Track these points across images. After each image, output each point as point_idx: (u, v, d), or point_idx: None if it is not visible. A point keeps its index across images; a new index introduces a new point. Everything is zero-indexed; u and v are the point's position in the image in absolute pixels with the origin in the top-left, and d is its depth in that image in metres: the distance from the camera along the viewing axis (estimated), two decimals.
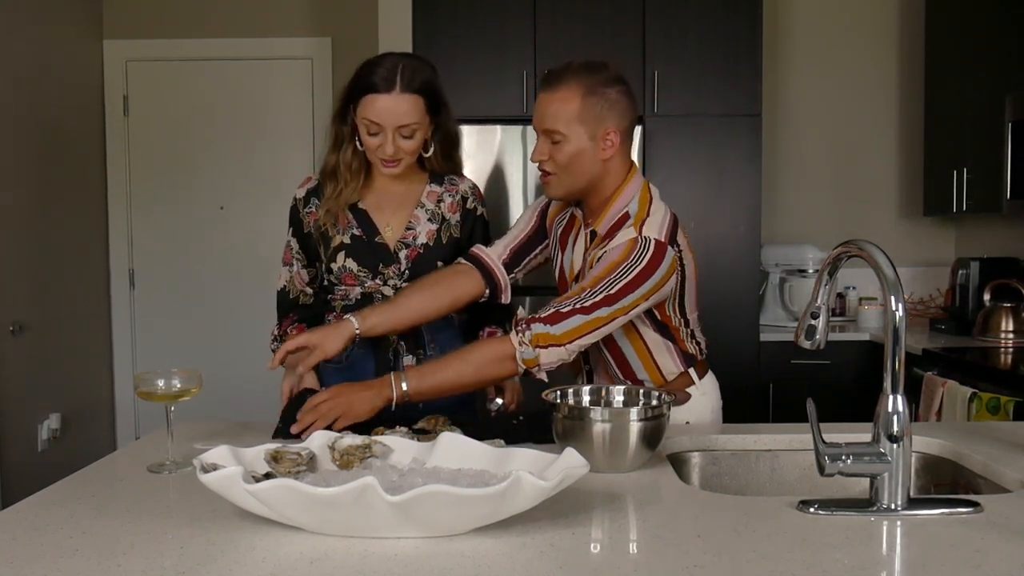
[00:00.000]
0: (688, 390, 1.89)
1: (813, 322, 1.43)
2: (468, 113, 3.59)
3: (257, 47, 4.39)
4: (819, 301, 1.42)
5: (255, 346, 4.44)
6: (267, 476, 1.28)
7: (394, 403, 1.67)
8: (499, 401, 1.82)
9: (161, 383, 1.56)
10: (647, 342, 1.86)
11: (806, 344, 1.45)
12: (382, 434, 1.51)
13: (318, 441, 1.39)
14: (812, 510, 1.26)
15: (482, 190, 2.13)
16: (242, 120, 4.41)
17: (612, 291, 1.67)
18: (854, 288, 4.13)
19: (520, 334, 1.67)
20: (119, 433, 4.49)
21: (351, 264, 1.98)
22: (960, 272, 3.78)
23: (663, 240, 1.73)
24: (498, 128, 3.60)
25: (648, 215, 1.76)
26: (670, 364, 1.89)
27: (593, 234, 1.82)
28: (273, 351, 1.95)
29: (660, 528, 1.21)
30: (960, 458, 1.63)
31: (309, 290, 2.08)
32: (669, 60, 3.61)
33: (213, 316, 4.46)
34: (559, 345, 1.67)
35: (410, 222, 2.00)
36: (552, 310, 1.68)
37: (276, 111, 4.42)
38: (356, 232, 1.98)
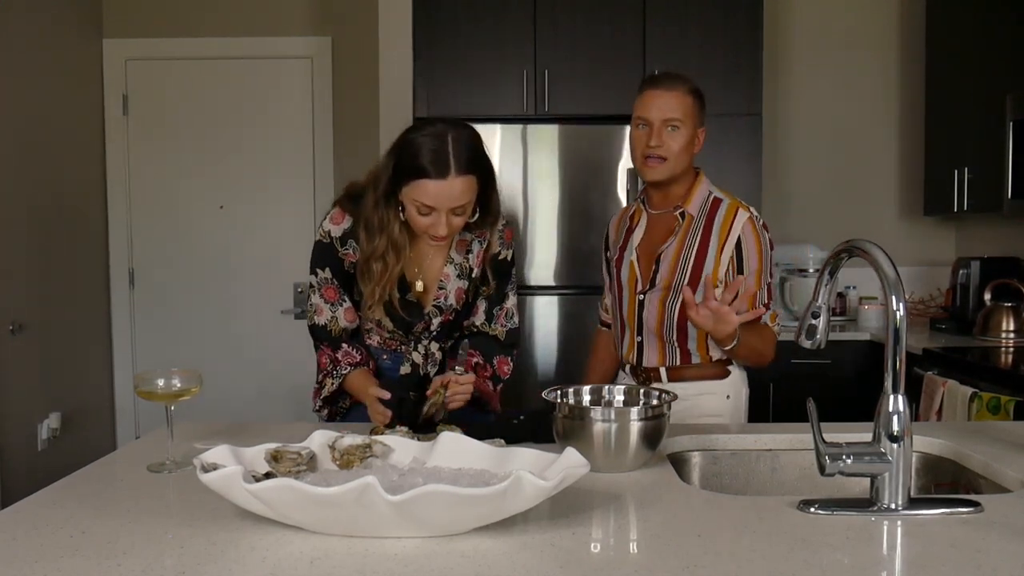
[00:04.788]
0: (728, 367, 2.10)
1: (814, 322, 1.43)
2: (468, 113, 3.59)
3: (257, 46, 4.39)
4: (820, 301, 1.42)
5: (255, 346, 4.46)
6: (267, 476, 1.28)
7: (734, 345, 1.91)
8: (459, 369, 1.84)
9: (161, 383, 1.56)
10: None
11: (807, 344, 1.45)
12: (382, 434, 1.51)
13: (318, 441, 1.39)
14: (812, 510, 1.26)
15: None
16: (242, 119, 4.41)
17: (770, 277, 2.07)
18: (854, 288, 4.13)
19: (771, 325, 2.06)
20: (119, 433, 4.49)
21: (387, 322, 1.96)
22: (960, 272, 3.78)
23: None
24: (498, 127, 3.60)
25: (739, 201, 2.10)
26: (718, 351, 2.06)
27: (683, 215, 2.09)
28: (325, 390, 1.96)
29: (660, 528, 1.21)
30: (961, 458, 1.63)
31: (354, 326, 1.99)
32: (669, 60, 3.60)
33: (213, 316, 4.46)
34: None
35: (441, 280, 1.97)
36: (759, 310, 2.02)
37: (276, 110, 4.42)
38: (393, 292, 1.93)
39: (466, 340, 1.96)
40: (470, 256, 1.98)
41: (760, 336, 2.02)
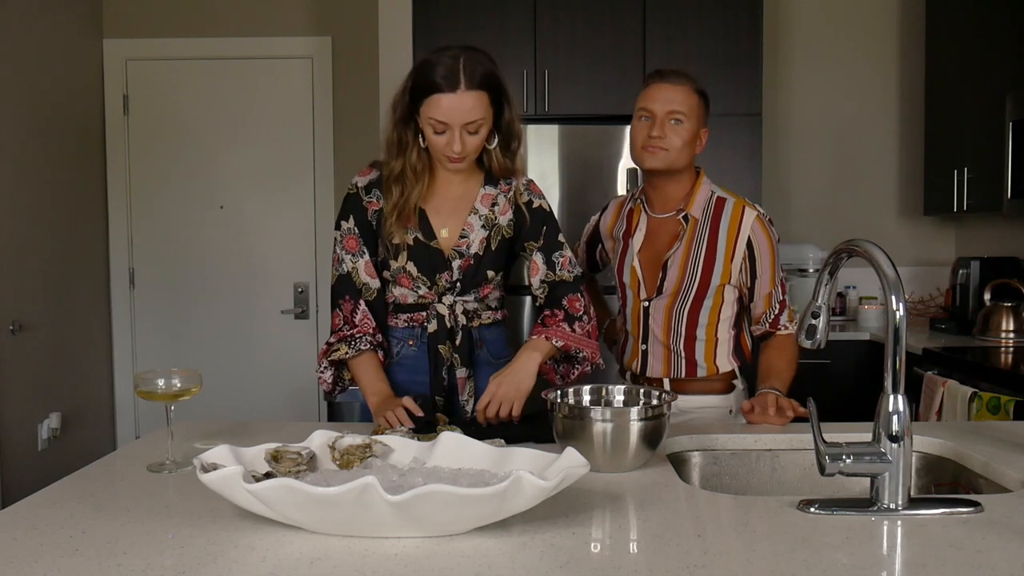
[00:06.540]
0: (733, 382, 2.10)
1: (813, 321, 1.44)
2: None
3: (257, 46, 4.39)
4: (819, 300, 1.43)
5: (255, 346, 4.46)
6: (267, 476, 1.28)
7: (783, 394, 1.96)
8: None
9: (161, 383, 1.56)
10: (718, 334, 2.07)
11: (807, 343, 1.45)
12: (382, 434, 1.51)
13: (318, 441, 1.39)
14: (812, 510, 1.26)
15: None
16: (242, 119, 4.41)
17: (781, 272, 2.07)
18: (854, 288, 4.13)
19: (791, 328, 2.06)
20: (119, 433, 4.49)
21: (411, 267, 1.97)
22: (960, 272, 3.78)
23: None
24: None
25: (744, 200, 2.07)
26: (725, 363, 2.08)
27: (686, 218, 2.06)
28: (335, 354, 1.92)
29: (660, 528, 1.21)
30: (961, 458, 1.63)
31: (375, 283, 1.99)
32: (669, 60, 3.60)
33: (213, 316, 4.46)
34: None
35: (464, 229, 1.98)
36: (777, 309, 2.04)
37: (276, 110, 4.42)
38: (418, 235, 1.96)
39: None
40: (495, 208, 2.01)
41: (785, 355, 2.03)
